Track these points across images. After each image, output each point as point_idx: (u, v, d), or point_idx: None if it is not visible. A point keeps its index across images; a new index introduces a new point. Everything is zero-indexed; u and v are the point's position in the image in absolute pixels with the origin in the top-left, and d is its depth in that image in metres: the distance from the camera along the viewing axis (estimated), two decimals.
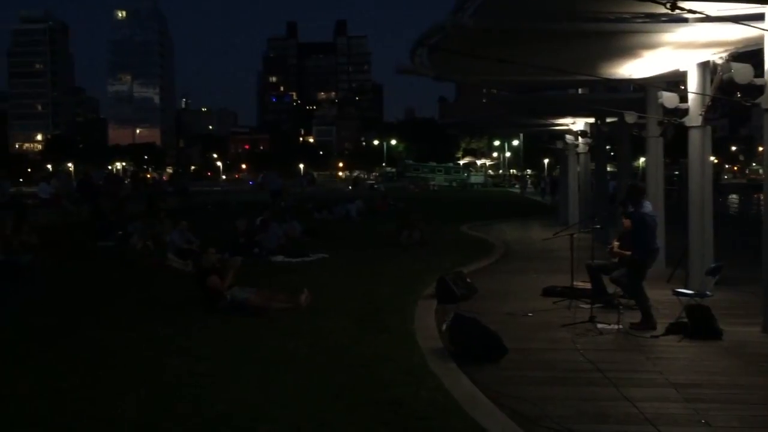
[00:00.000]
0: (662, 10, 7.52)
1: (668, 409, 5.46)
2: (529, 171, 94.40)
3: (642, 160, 29.68)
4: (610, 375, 6.33)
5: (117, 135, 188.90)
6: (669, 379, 6.24)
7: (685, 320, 7.94)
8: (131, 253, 12.98)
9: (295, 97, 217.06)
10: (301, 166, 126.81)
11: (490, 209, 33.07)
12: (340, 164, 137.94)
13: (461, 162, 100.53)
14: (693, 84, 10.46)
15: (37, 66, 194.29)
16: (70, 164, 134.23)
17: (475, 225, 24.09)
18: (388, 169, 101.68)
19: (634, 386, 6.03)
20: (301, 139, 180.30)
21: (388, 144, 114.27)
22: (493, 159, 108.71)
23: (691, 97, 10.48)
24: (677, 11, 5.85)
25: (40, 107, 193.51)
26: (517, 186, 72.30)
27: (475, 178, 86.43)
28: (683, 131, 10.89)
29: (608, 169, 18.87)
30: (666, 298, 8.87)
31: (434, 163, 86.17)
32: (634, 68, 11.07)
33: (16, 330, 7.92)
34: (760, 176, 73.82)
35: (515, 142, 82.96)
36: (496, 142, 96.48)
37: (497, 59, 7.85)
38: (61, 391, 5.62)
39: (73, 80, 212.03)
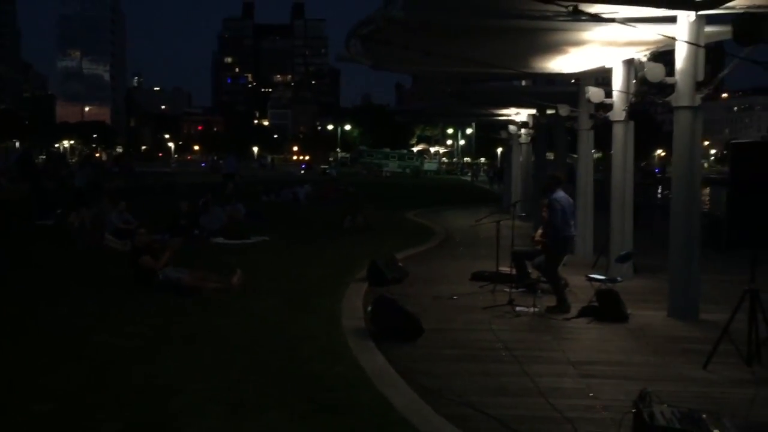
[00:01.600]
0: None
1: (562, 383, 5.90)
2: (483, 159, 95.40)
3: None
4: (517, 353, 6.77)
5: (65, 112, 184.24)
6: (569, 357, 6.69)
7: (596, 304, 8.45)
8: (68, 232, 13.02)
9: (250, 79, 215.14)
10: (255, 148, 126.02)
11: (439, 196, 33.59)
12: (295, 148, 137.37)
13: (415, 149, 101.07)
14: (618, 80, 10.97)
15: None
16: (15, 141, 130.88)
17: (421, 211, 24.55)
18: (342, 154, 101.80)
19: (536, 363, 6.47)
20: (255, 121, 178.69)
21: (343, 129, 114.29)
22: (447, 147, 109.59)
23: (615, 92, 10.99)
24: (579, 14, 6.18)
25: None
26: (469, 174, 73.19)
27: (429, 166, 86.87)
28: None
29: (548, 159, 19.39)
30: (583, 283, 9.34)
31: (388, 150, 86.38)
32: (564, 63, 11.54)
33: None
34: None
35: (469, 131, 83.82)
36: (450, 130, 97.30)
37: (424, 51, 8.14)
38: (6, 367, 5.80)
39: (20, 55, 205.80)
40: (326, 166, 77.22)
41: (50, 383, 5.36)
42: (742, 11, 7.01)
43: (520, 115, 20.91)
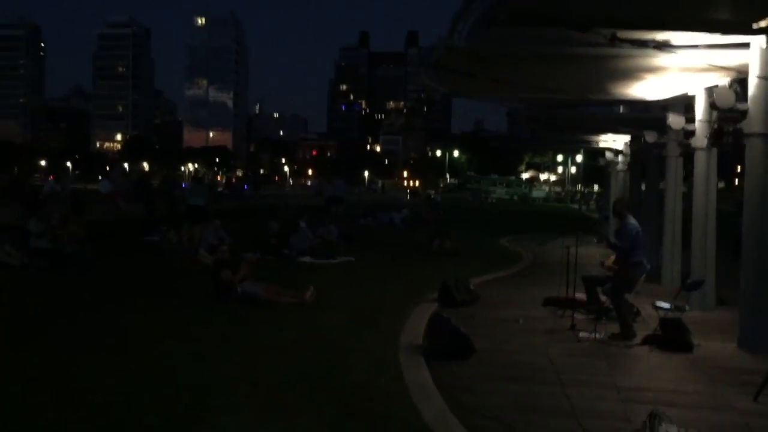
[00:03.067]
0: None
1: (600, 406, 5.93)
2: (596, 187, 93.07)
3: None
4: (564, 376, 6.81)
5: (191, 137, 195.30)
6: (617, 382, 6.67)
7: (660, 333, 8.31)
8: (166, 247, 14.01)
9: (364, 106, 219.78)
10: (366, 173, 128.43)
11: (540, 224, 33.17)
12: (405, 173, 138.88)
13: (524, 176, 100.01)
14: (700, 107, 10.75)
15: (120, 69, 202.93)
16: (145, 164, 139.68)
17: (516, 238, 24.45)
18: (450, 180, 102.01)
19: (580, 386, 6.51)
20: (368, 147, 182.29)
21: (451, 155, 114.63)
22: (557, 174, 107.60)
23: (697, 119, 10.77)
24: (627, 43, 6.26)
25: (121, 108, 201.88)
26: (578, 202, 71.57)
27: (537, 193, 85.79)
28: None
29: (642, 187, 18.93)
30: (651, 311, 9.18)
31: (496, 176, 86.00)
32: (645, 90, 11.40)
33: (45, 307, 8.90)
34: None
35: (579, 158, 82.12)
36: (560, 157, 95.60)
37: (492, 79, 8.38)
38: (72, 361, 6.49)
39: (153, 83, 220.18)
40: (432, 191, 77.70)
41: (110, 378, 5.93)
42: None
43: (617, 142, 20.56)
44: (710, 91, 10.65)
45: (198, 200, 17.30)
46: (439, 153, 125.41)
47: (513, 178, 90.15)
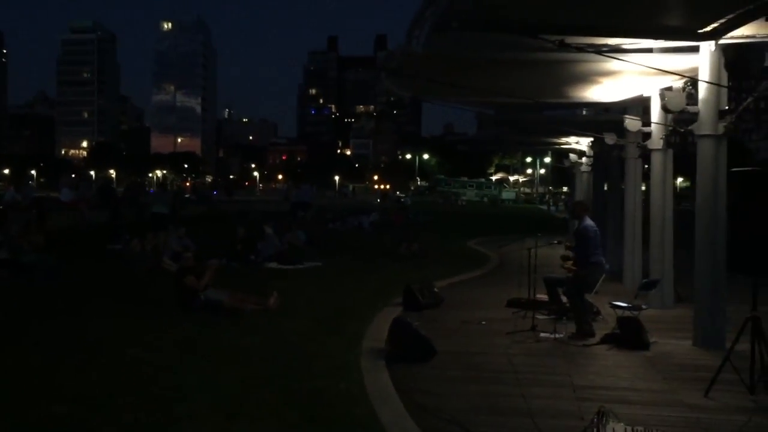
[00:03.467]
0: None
1: (556, 405, 6.04)
2: (565, 188, 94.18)
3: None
4: (522, 376, 6.94)
5: (159, 143, 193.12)
6: (574, 381, 6.80)
7: (618, 331, 8.48)
8: (129, 256, 13.91)
9: (334, 110, 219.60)
10: (337, 178, 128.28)
11: (509, 226, 33.44)
12: (376, 177, 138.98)
13: (494, 178, 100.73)
14: (655, 110, 10.97)
15: (85, 74, 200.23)
16: (112, 171, 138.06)
17: (485, 239, 24.68)
18: (421, 183, 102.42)
19: (538, 386, 6.64)
20: (338, 151, 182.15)
21: (421, 158, 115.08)
22: (526, 176, 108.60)
23: (653, 121, 10.99)
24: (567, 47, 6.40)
25: (86, 114, 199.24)
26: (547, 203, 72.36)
27: (507, 195, 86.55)
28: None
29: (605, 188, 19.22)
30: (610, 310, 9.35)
31: (465, 179, 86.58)
32: (602, 93, 11.61)
33: (7, 322, 8.79)
34: None
35: (547, 159, 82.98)
36: (528, 159, 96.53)
37: (449, 84, 8.49)
38: (33, 372, 6.43)
39: (119, 89, 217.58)
40: (402, 195, 77.91)
41: (72, 387, 5.91)
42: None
43: (581, 144, 20.84)
44: (663, 94, 10.93)
45: (162, 208, 17.20)
46: (409, 156, 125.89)
47: (483, 180, 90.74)
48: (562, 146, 23.61)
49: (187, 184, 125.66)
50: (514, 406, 6.00)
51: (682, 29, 7.15)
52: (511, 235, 27.23)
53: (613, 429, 4.25)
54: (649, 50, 9.03)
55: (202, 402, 5.70)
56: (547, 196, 79.40)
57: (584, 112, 18.79)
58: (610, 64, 9.23)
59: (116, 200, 21.44)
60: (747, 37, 7.06)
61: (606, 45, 8.39)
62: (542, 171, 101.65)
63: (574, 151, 21.85)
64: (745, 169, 6.36)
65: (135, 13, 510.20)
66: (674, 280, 11.24)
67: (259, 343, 7.92)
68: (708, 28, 6.75)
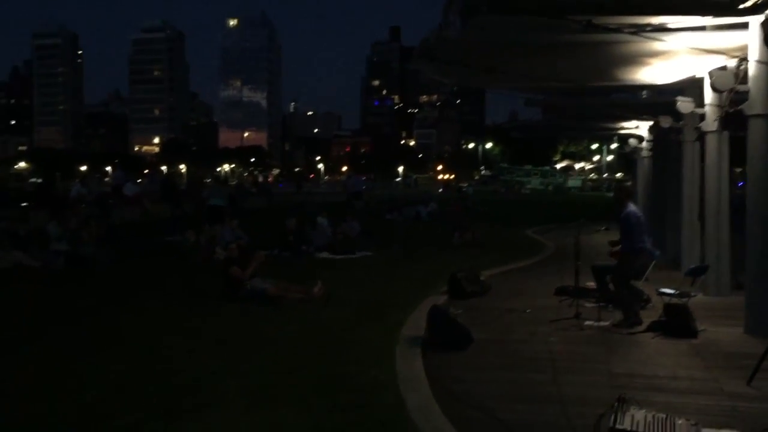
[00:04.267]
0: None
1: (588, 393, 5.91)
2: (617, 175, 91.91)
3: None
4: (558, 364, 6.81)
5: (227, 138, 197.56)
6: (612, 369, 6.65)
7: (665, 319, 8.24)
8: (184, 247, 14.30)
9: (397, 101, 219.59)
10: (400, 168, 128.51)
11: (571, 213, 32.81)
12: (439, 167, 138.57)
13: (558, 166, 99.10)
14: (708, 90, 10.56)
15: (156, 72, 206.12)
16: (182, 165, 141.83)
17: (544, 228, 24.30)
18: (485, 172, 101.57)
19: (573, 374, 6.51)
20: (402, 141, 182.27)
21: (484, 147, 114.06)
22: (592, 163, 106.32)
23: (706, 103, 10.59)
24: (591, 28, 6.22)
25: (157, 111, 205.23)
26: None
27: (572, 182, 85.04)
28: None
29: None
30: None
31: (530, 167, 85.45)
32: (654, 74, 11.23)
33: (57, 309, 9.18)
34: None
35: (614, 146, 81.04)
36: (594, 146, 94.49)
37: (487, 70, 8.38)
38: (70, 358, 6.71)
39: (188, 86, 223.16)
40: (465, 184, 77.41)
41: (104, 373, 6.14)
42: None
43: (640, 128, 20.25)
44: (711, 73, 10.51)
45: (219, 201, 17.59)
46: (472, 145, 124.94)
47: (547, 168, 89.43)
48: (621, 131, 23.02)
49: (249, 177, 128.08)
50: (546, 393, 5.91)
51: (723, 4, 6.85)
52: (570, 224, 26.82)
53: (633, 416, 4.14)
54: (702, 28, 8.71)
55: (230, 388, 5.81)
56: (613, 183, 77.54)
57: (644, 95, 18.28)
58: (657, 45, 8.94)
59: (178, 194, 22.03)
60: None
61: (649, 24, 8.15)
62: (609, 158, 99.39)
63: (634, 136, 21.24)
64: None
65: (202, 11, 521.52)
66: (735, 267, 10.84)
67: (297, 330, 8.03)
68: (749, 3, 6.46)
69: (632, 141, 21.33)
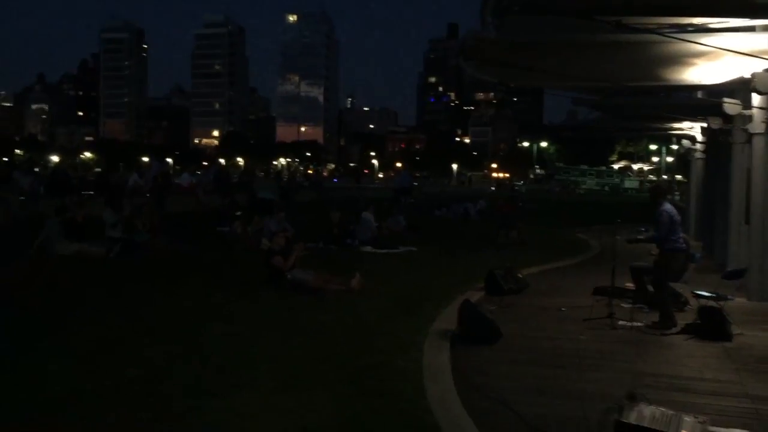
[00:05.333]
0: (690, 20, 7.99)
1: (610, 391, 5.94)
2: (672, 176, 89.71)
3: None
4: (585, 362, 6.89)
5: (284, 132, 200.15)
6: (638, 368, 6.70)
7: (699, 322, 8.19)
8: (233, 237, 14.74)
9: (453, 98, 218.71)
10: (455, 166, 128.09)
11: (625, 215, 32.32)
12: (494, 165, 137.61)
13: (616, 166, 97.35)
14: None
15: (217, 67, 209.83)
16: (240, 159, 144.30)
17: (592, 228, 24.04)
18: (540, 171, 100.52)
19: (598, 371, 6.59)
20: (457, 139, 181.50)
21: (539, 146, 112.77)
22: (651, 164, 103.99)
23: (754, 104, 10.42)
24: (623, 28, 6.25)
25: (217, 105, 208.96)
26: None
27: (630, 183, 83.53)
28: None
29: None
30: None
31: (585, 167, 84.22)
32: (700, 74, 11.09)
33: (111, 292, 9.64)
34: None
35: (674, 146, 79.03)
36: (653, 147, 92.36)
37: (526, 68, 8.46)
38: (117, 340, 7.10)
39: (248, 81, 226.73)
40: (518, 183, 76.87)
41: (147, 353, 6.49)
42: None
43: (694, 129, 19.90)
44: (753, 74, 10.32)
45: (268, 194, 18.02)
46: (527, 144, 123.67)
47: (603, 168, 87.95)
48: (675, 132, 22.63)
49: (309, 171, 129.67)
50: (568, 389, 6.00)
51: (761, 6, 6.78)
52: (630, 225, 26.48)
53: (639, 411, 4.22)
54: (752, 29, 8.62)
55: (261, 372, 6.08)
56: (674, 185, 75.74)
57: (699, 95, 17.95)
58: (699, 45, 8.86)
59: (230, 186, 22.61)
60: None
61: (691, 24, 8.11)
62: (669, 159, 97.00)
63: (687, 137, 20.88)
64: None
65: (262, 6, 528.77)
66: None
67: (332, 320, 8.27)
68: None
69: (685, 142, 21.01)
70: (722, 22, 8.00)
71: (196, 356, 6.53)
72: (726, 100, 10.76)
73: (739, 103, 10.62)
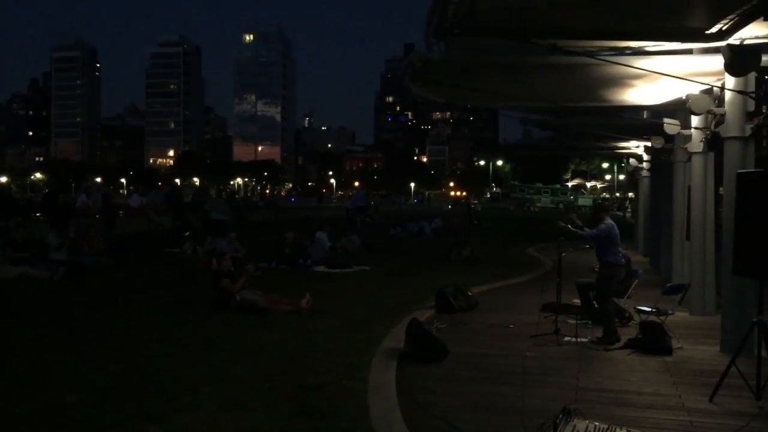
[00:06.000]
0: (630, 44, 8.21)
1: (551, 406, 6.00)
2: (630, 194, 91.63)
3: None
4: (529, 377, 6.98)
5: (241, 151, 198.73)
6: (580, 383, 6.80)
7: (641, 336, 8.38)
8: (183, 258, 14.57)
9: (410, 117, 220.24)
10: (413, 184, 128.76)
11: None
12: (451, 184, 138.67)
13: (570, 184, 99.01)
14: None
15: (172, 86, 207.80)
16: (196, 179, 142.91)
17: (546, 245, 24.38)
18: (495, 189, 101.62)
19: (541, 387, 6.67)
20: (415, 158, 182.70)
21: (495, 165, 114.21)
22: (604, 181, 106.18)
23: (692, 124, 10.75)
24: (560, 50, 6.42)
25: (173, 125, 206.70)
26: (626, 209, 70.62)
27: (584, 201, 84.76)
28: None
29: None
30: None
31: (540, 185, 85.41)
32: (641, 95, 11.41)
33: (53, 315, 9.44)
34: None
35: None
36: (605, 164, 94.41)
37: (472, 89, 8.60)
38: (57, 362, 6.95)
39: (204, 100, 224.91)
40: (474, 201, 77.60)
41: (87, 378, 6.37)
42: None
43: (640, 148, 20.40)
44: (705, 94, 10.66)
45: (220, 214, 17.89)
46: (483, 162, 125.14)
47: (558, 186, 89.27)
48: (623, 151, 23.16)
49: (266, 190, 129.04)
50: (510, 405, 6.07)
51: (692, 31, 7.03)
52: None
53: (575, 426, 4.30)
54: (689, 51, 8.91)
55: (203, 394, 6.03)
56: (626, 202, 77.35)
57: (645, 116, 18.43)
58: (639, 66, 9.13)
59: (182, 206, 22.37)
60: (758, 37, 6.89)
61: (629, 48, 8.35)
62: (622, 177, 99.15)
63: (634, 155, 21.39)
64: (750, 171, 6.23)
65: (219, 26, 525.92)
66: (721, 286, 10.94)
67: (280, 341, 8.23)
68: (714, 29, 6.63)
69: (633, 161, 21.47)
70: (658, 45, 8.26)
71: (137, 379, 6.42)
72: (666, 120, 11.09)
73: (678, 123, 10.94)
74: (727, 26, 6.40)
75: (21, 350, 7.50)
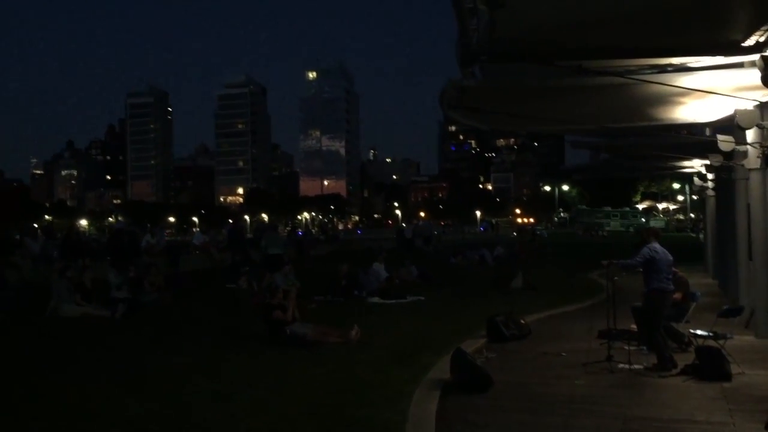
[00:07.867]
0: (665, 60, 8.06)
1: None
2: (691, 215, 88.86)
3: None
4: (576, 407, 6.79)
5: (307, 186, 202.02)
6: (628, 413, 6.57)
7: (698, 362, 8.03)
8: (240, 293, 14.81)
9: (474, 145, 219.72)
10: (478, 213, 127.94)
11: None
12: (517, 210, 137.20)
13: (640, 206, 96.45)
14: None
15: (240, 126, 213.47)
16: (264, 215, 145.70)
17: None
18: (562, 214, 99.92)
19: (587, 417, 6.48)
20: (480, 186, 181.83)
21: (561, 189, 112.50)
22: (677, 203, 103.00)
23: (748, 140, 10.38)
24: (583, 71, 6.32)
25: (241, 163, 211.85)
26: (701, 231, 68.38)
27: (655, 223, 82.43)
28: None
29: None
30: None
31: (609, 208, 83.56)
32: (692, 113, 11.11)
33: (103, 352, 9.71)
34: None
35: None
36: (676, 185, 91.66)
37: (510, 114, 8.55)
38: (94, 396, 7.12)
39: (270, 137, 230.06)
40: (540, 227, 76.48)
41: (129, 414, 6.49)
42: None
43: (702, 166, 19.78)
44: (760, 108, 10.28)
45: (275, 249, 18.16)
46: (548, 188, 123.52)
47: (627, 209, 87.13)
48: (685, 170, 22.51)
49: (333, 224, 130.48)
50: None
51: (728, 43, 6.82)
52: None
53: None
54: (740, 65, 8.64)
55: (240, 429, 6.06)
56: (700, 223, 74.93)
57: (707, 132, 17.89)
58: (680, 84, 8.90)
59: (243, 242, 22.84)
60: None
61: (670, 65, 8.17)
62: (695, 197, 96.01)
63: (699, 174, 20.73)
64: None
65: (283, 65, 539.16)
66: None
67: (324, 373, 8.23)
68: (750, 42, 6.42)
69: (697, 180, 20.81)
70: (699, 61, 8.05)
71: (179, 415, 6.51)
72: (719, 137, 10.73)
73: (732, 139, 10.56)
74: (764, 38, 6.17)
75: (67, 386, 7.68)
